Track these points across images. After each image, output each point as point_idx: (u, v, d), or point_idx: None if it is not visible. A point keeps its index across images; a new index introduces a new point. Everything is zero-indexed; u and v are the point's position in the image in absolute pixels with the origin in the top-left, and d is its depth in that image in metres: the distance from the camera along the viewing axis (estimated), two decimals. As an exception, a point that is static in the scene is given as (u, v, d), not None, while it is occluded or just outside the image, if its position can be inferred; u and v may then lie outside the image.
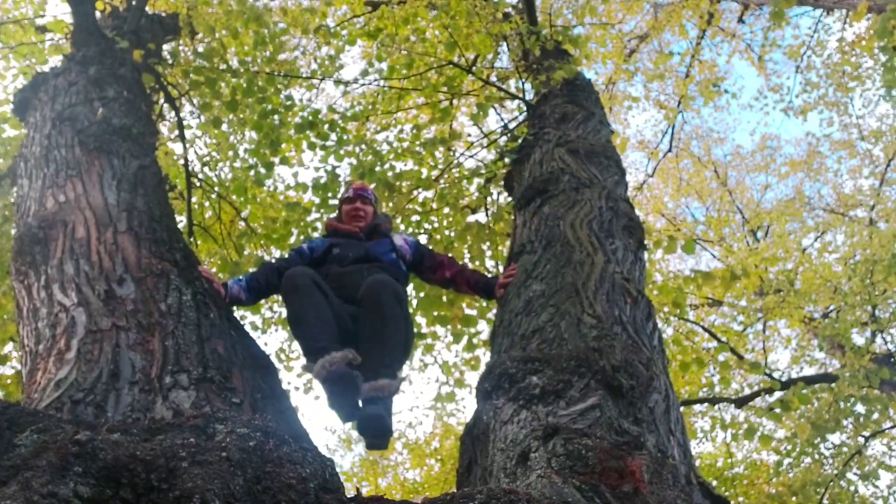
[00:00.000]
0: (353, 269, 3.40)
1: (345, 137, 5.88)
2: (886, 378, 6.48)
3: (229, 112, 5.51)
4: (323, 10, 6.28)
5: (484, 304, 5.42)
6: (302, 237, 5.94)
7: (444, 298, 5.35)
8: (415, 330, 3.76)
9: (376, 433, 2.88)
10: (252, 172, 6.12)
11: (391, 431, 2.96)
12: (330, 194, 5.84)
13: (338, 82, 6.10)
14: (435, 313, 5.40)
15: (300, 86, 6.08)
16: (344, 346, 2.92)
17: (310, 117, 5.78)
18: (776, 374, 8.74)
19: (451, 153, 6.16)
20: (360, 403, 2.89)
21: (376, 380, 2.88)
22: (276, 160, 5.99)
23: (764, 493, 7.49)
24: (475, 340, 5.66)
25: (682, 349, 6.78)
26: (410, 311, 4.00)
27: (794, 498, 6.98)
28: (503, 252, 5.63)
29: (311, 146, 5.90)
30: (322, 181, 5.80)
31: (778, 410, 5.92)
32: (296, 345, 6.68)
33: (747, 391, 8.65)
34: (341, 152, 5.86)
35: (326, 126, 5.77)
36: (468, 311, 5.48)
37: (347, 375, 2.80)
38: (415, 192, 5.92)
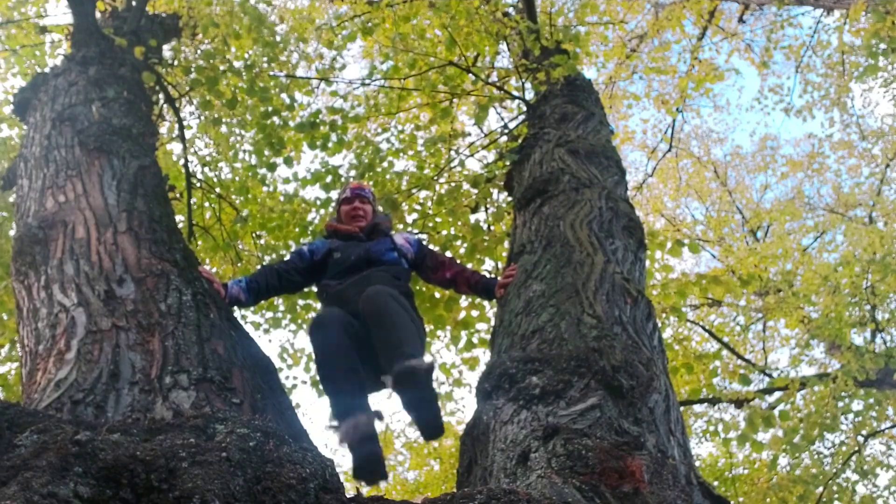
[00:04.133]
0: (351, 283, 3.38)
1: (345, 139, 5.88)
2: (880, 367, 6.48)
3: (230, 109, 5.50)
4: (317, 15, 6.27)
5: (484, 304, 5.42)
6: (297, 229, 5.94)
7: (437, 295, 5.34)
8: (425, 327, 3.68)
9: (372, 474, 2.80)
10: (253, 173, 6.12)
11: (384, 473, 2.87)
12: (331, 193, 5.84)
13: (333, 93, 6.12)
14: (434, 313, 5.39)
15: (300, 91, 6.07)
16: (367, 403, 2.93)
17: (311, 118, 5.79)
18: (775, 374, 8.74)
19: (452, 153, 6.15)
20: (391, 387, 2.86)
21: (404, 361, 2.78)
22: (279, 160, 5.99)
23: (763, 490, 7.49)
24: (474, 339, 5.66)
25: (672, 353, 6.75)
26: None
27: (794, 497, 6.98)
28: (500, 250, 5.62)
29: (312, 146, 5.90)
30: (322, 173, 5.81)
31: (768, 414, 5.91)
32: (298, 343, 6.68)
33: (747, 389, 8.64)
34: (343, 151, 5.87)
35: (327, 126, 5.77)
36: (467, 314, 5.47)
37: (371, 436, 2.81)
38: (413, 191, 5.92)
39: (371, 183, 5.62)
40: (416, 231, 5.90)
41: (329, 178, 5.86)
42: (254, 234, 6.15)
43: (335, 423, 2.89)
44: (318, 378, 3.29)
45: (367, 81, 6.01)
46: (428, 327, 5.73)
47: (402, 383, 2.80)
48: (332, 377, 2.97)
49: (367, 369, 3.03)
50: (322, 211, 6.01)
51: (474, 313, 5.58)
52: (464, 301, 5.43)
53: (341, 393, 2.94)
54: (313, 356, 3.16)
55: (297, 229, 5.93)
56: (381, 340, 2.96)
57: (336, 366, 2.97)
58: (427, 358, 2.94)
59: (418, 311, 3.56)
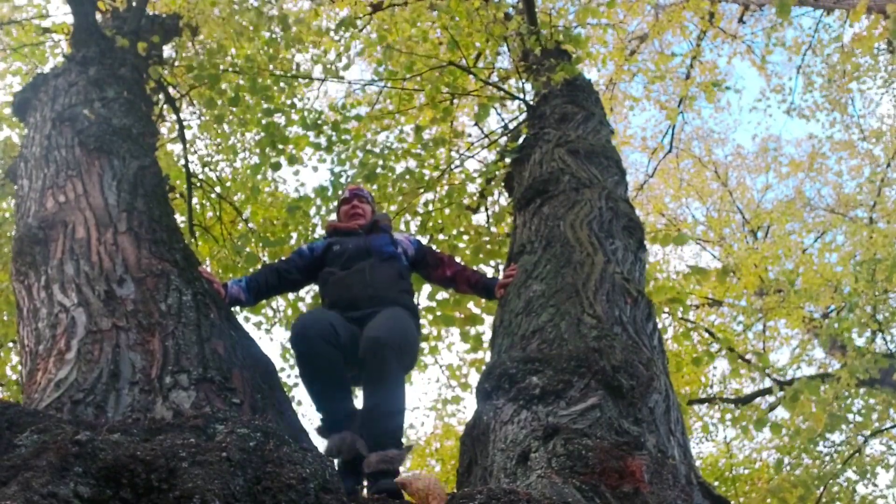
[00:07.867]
0: (354, 271, 3.38)
1: (345, 138, 5.88)
2: (885, 367, 6.48)
3: (232, 106, 5.50)
4: (312, 18, 6.27)
5: (485, 303, 5.41)
6: (302, 240, 5.94)
7: (451, 299, 5.33)
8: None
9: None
10: (259, 174, 6.12)
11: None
12: (330, 193, 5.85)
13: (340, 79, 6.08)
14: (438, 313, 5.38)
15: (302, 87, 6.06)
16: (352, 408, 2.96)
17: (316, 118, 5.79)
18: (776, 375, 8.75)
19: (452, 154, 6.15)
20: (365, 471, 2.76)
21: (385, 450, 2.72)
22: (282, 159, 5.99)
23: (764, 490, 7.49)
24: (482, 341, 5.65)
25: (691, 346, 6.77)
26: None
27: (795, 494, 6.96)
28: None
29: (316, 146, 5.90)
30: (325, 184, 5.82)
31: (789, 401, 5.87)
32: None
33: (747, 391, 8.68)
34: (343, 156, 5.86)
35: (329, 126, 5.77)
36: (475, 310, 5.46)
37: (355, 459, 2.76)
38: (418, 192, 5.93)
39: (375, 187, 5.62)
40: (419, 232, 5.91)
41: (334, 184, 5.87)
42: (260, 245, 6.15)
43: (324, 431, 2.93)
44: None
45: (367, 82, 6.02)
46: (433, 330, 5.73)
47: (376, 478, 2.69)
48: (317, 390, 2.97)
49: (352, 365, 3.01)
50: (323, 210, 6.01)
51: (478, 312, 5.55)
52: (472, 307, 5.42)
53: (326, 400, 2.95)
54: (297, 364, 3.07)
55: (301, 240, 5.93)
56: (369, 398, 2.88)
57: (320, 380, 2.95)
58: (406, 443, 2.86)
59: (419, 315, 3.55)
